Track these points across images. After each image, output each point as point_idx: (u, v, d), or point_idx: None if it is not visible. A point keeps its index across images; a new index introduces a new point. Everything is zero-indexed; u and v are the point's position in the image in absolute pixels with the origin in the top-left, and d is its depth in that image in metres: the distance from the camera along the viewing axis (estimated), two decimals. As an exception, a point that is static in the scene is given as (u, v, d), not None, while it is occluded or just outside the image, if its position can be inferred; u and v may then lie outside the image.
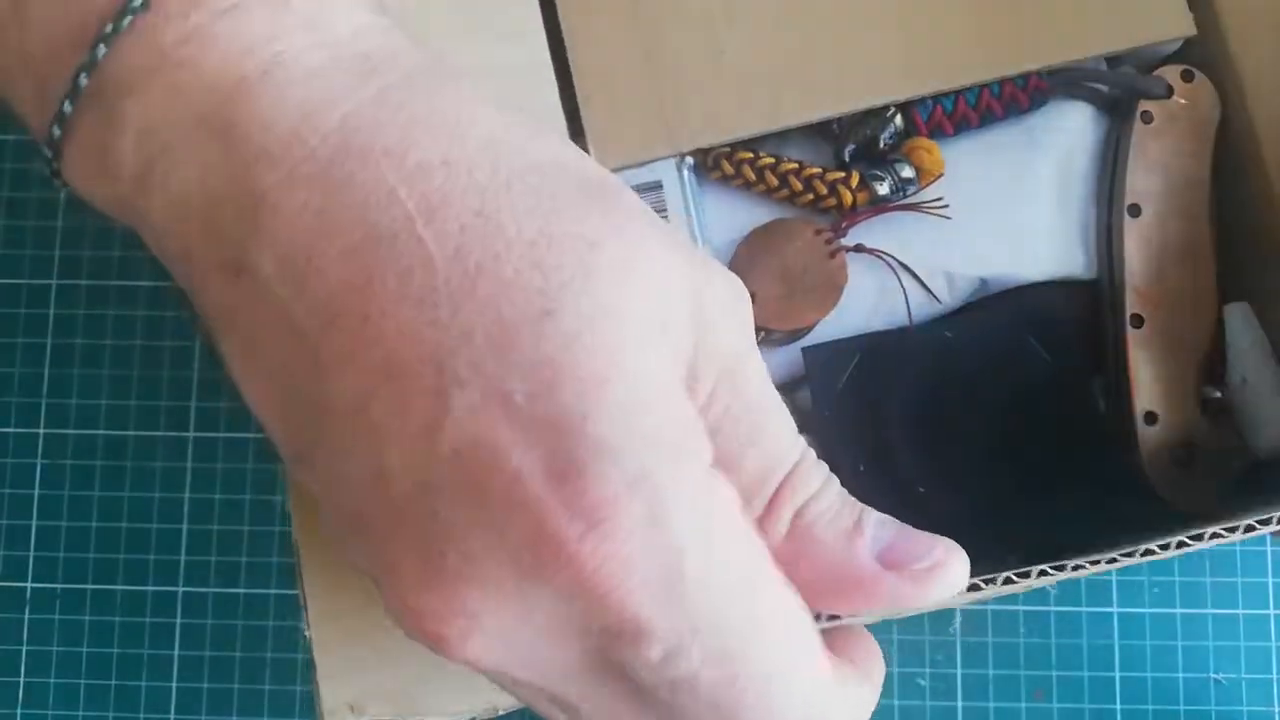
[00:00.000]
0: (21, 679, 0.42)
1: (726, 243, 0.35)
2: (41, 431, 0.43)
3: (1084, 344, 0.36)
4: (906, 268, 0.35)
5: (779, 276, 0.34)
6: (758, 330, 0.34)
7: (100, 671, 0.42)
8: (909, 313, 0.35)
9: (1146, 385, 0.34)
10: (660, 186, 0.34)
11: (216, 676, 0.42)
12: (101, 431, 0.43)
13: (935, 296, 0.35)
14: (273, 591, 0.42)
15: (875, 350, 0.35)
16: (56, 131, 0.22)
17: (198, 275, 0.22)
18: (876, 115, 0.35)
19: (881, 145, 0.35)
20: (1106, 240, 0.35)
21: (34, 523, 0.43)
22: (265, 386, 0.22)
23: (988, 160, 0.35)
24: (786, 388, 0.35)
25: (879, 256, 0.35)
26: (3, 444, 0.43)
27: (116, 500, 0.43)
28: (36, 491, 0.43)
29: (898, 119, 0.35)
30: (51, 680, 0.42)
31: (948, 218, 0.35)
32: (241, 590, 0.42)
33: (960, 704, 0.41)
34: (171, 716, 0.42)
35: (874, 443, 0.34)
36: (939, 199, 0.35)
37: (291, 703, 0.42)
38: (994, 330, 0.35)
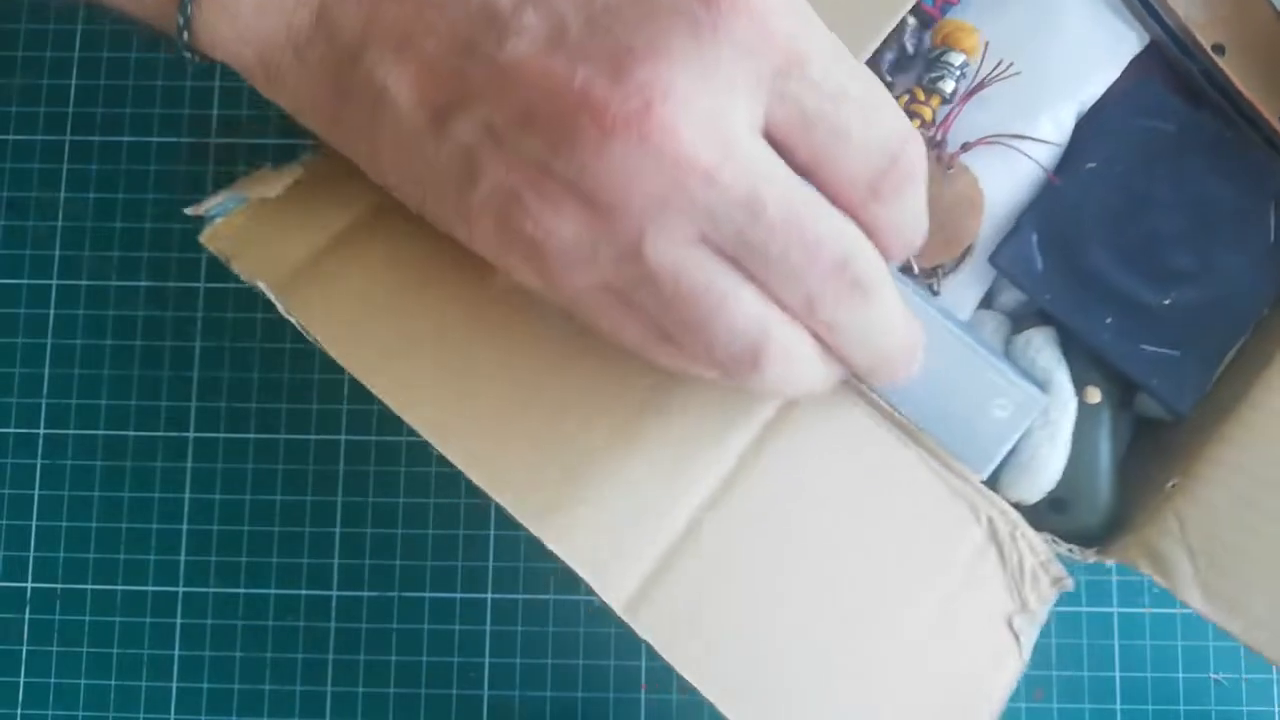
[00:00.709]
0: (21, 679, 0.42)
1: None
2: (41, 432, 0.43)
3: (1191, 101, 0.37)
4: (1018, 136, 0.36)
5: None
6: (933, 272, 0.36)
7: (100, 672, 0.42)
8: (1047, 170, 0.36)
9: (1264, 95, 0.35)
10: None
11: (216, 677, 0.42)
12: (101, 432, 0.43)
13: (1052, 143, 0.36)
14: (273, 591, 0.42)
15: (1044, 218, 0.36)
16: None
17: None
18: (894, 31, 0.36)
19: (911, 51, 0.36)
20: (1145, 6, 0.37)
21: (34, 523, 0.43)
22: None
23: (1003, 6, 0.37)
24: (994, 298, 0.37)
25: (989, 143, 0.36)
26: (3, 444, 0.43)
27: (116, 500, 0.43)
28: (36, 492, 0.43)
29: (910, 19, 0.36)
30: (51, 680, 0.42)
31: (1018, 73, 0.36)
32: (241, 590, 0.42)
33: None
34: (171, 717, 0.42)
35: (1100, 291, 0.35)
36: (999, 63, 0.36)
37: (292, 702, 0.42)
38: (1122, 137, 0.37)
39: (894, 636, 0.31)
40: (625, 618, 0.29)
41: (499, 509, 0.43)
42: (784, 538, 0.31)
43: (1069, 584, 0.32)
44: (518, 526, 0.43)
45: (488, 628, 0.42)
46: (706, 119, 0.23)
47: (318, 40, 0.27)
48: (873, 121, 0.25)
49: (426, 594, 0.42)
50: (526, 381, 0.30)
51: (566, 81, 0.24)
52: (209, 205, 0.31)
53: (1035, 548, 0.32)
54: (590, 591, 0.42)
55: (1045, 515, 0.35)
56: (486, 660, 0.42)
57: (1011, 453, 0.34)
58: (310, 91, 0.28)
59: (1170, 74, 0.38)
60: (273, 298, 0.29)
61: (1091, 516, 0.35)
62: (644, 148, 0.23)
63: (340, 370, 0.43)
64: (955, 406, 0.32)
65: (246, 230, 0.31)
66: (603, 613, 0.42)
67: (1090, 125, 0.37)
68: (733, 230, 0.24)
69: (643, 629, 0.29)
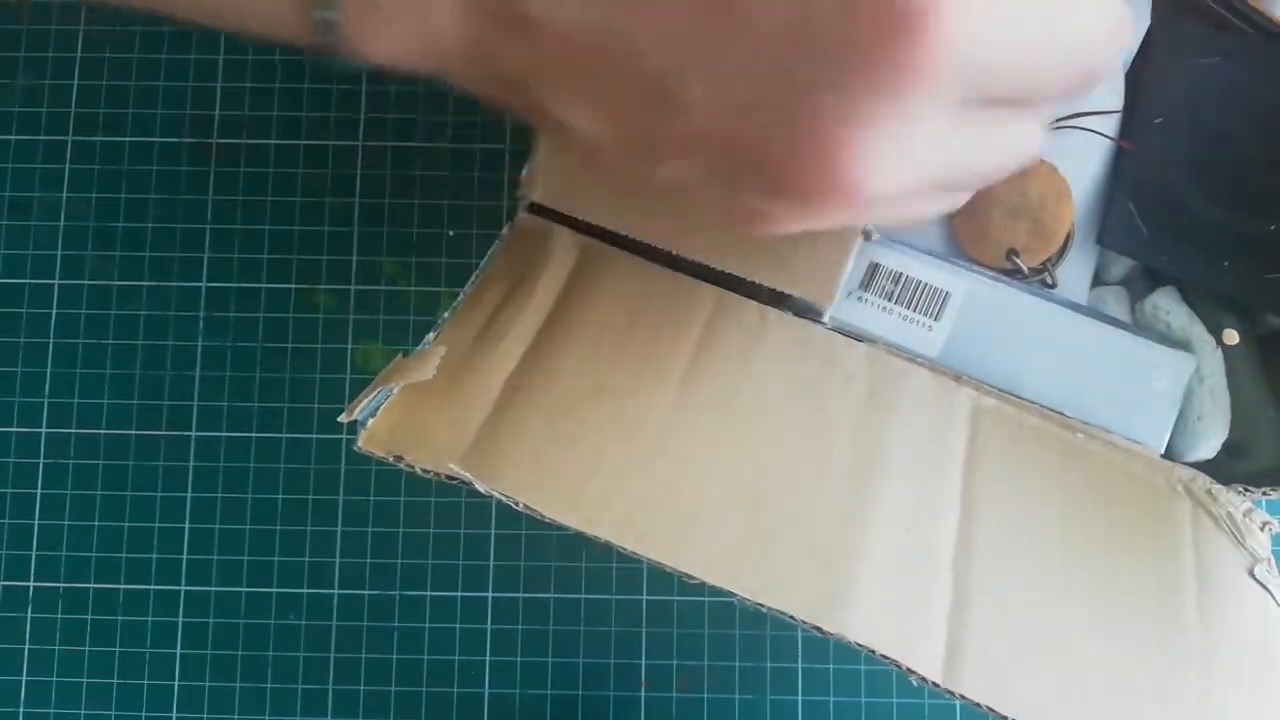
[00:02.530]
0: (24, 677, 0.42)
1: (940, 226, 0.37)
2: (44, 431, 0.44)
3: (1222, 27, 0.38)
4: (1084, 114, 0.37)
5: (1014, 216, 0.36)
6: (1042, 268, 0.36)
7: (103, 670, 0.42)
8: (1121, 141, 0.37)
9: None
10: None
11: (218, 675, 0.42)
12: (104, 431, 0.43)
13: (1115, 110, 0.37)
14: (274, 590, 0.42)
15: (1133, 185, 0.37)
16: None
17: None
18: None
19: None
20: None
21: (36, 522, 0.43)
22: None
23: None
24: (1103, 272, 0.38)
25: (1059, 128, 0.37)
26: (5, 443, 0.44)
27: (119, 499, 0.43)
28: (39, 491, 0.43)
29: None
30: (54, 679, 0.42)
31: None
32: (243, 589, 0.42)
33: (958, 702, 0.41)
34: (174, 715, 0.42)
35: (1209, 237, 0.36)
36: None
37: (294, 700, 0.42)
38: (1176, 84, 0.37)
39: (1171, 630, 0.31)
40: (949, 686, 0.29)
41: (499, 507, 0.43)
42: (1030, 563, 0.31)
43: (1276, 525, 0.33)
44: (518, 525, 0.43)
45: (489, 626, 0.42)
46: (896, 159, 0.23)
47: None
48: (1061, 45, 0.24)
49: (428, 592, 0.42)
50: (741, 485, 0.31)
51: (759, 147, 0.24)
52: (358, 409, 0.30)
53: (1233, 500, 0.33)
54: (590, 590, 0.42)
55: (1226, 465, 0.35)
56: (487, 658, 0.42)
57: (1179, 418, 0.35)
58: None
59: (1188, 11, 0.38)
60: (473, 481, 0.29)
61: (1274, 450, 0.35)
62: (842, 202, 0.24)
63: (341, 370, 0.44)
64: (1114, 392, 0.34)
65: (403, 424, 0.31)
66: (602, 611, 0.42)
67: (1143, 83, 0.37)
68: None
69: (971, 692, 0.29)
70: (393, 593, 0.42)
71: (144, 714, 0.42)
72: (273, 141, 0.45)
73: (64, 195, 0.45)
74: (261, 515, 0.43)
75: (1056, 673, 0.30)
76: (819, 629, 0.28)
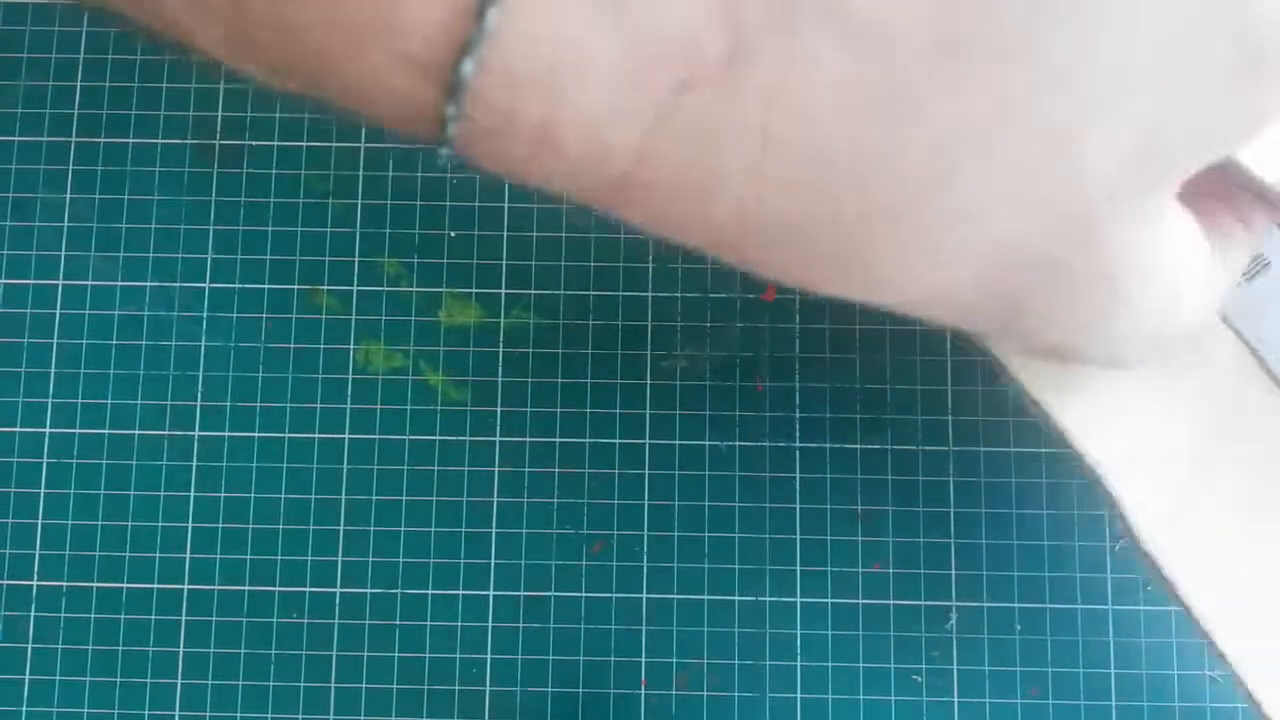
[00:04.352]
0: (27, 676, 0.42)
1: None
2: (47, 431, 0.44)
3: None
4: None
5: None
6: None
7: (105, 669, 0.42)
8: None
9: None
10: None
11: (221, 673, 0.42)
12: (107, 431, 0.44)
13: None
14: (277, 589, 0.43)
15: None
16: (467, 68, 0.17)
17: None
18: None
19: None
20: None
21: (39, 521, 0.43)
22: None
23: None
24: None
25: None
26: (9, 443, 0.44)
27: (122, 498, 0.43)
28: (42, 490, 0.43)
29: None
30: (57, 678, 0.42)
31: None
32: (246, 588, 0.43)
33: (956, 700, 0.42)
34: (177, 714, 0.42)
35: None
36: None
37: (296, 697, 0.42)
38: None
39: None
40: None
41: (500, 506, 0.43)
42: None
43: None
44: (519, 524, 0.43)
45: (490, 624, 0.42)
46: None
47: None
48: None
49: (429, 591, 0.43)
50: None
51: None
52: None
53: None
54: (591, 589, 0.43)
55: None
56: (489, 656, 0.42)
57: None
58: None
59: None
60: None
61: None
62: None
63: (345, 370, 0.44)
64: None
65: None
66: (603, 610, 0.42)
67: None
68: None
69: None
70: (394, 591, 0.43)
71: (147, 712, 0.42)
72: (276, 143, 0.45)
73: (67, 196, 0.45)
74: (264, 514, 0.43)
75: None
76: None
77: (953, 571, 0.42)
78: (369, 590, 0.43)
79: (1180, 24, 0.16)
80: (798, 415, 0.43)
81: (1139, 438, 0.30)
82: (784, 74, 0.16)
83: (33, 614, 0.43)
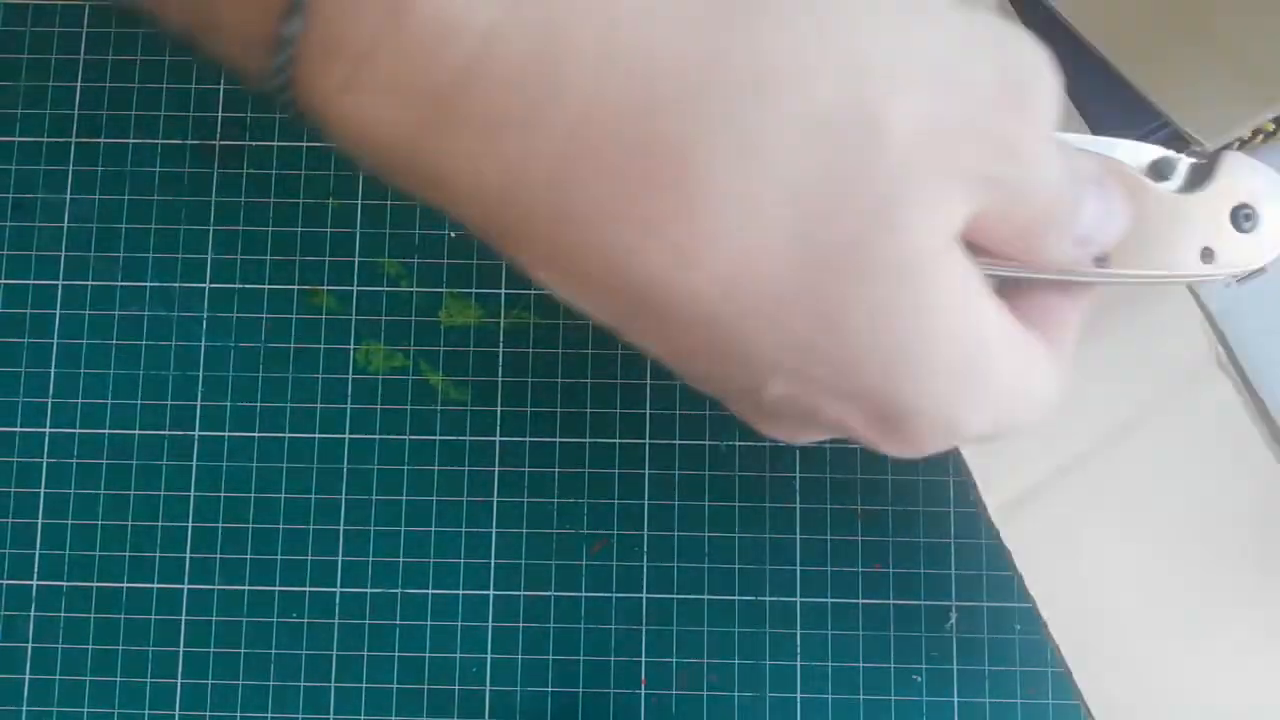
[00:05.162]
0: (27, 676, 0.43)
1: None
2: (48, 431, 0.44)
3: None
4: None
5: None
6: None
7: (105, 668, 0.42)
8: None
9: None
10: None
11: (221, 673, 0.42)
12: (107, 431, 0.44)
13: None
14: (277, 589, 0.43)
15: None
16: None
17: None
18: None
19: None
20: None
21: (40, 521, 0.43)
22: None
23: None
24: None
25: None
26: (9, 443, 0.44)
27: (122, 498, 0.43)
28: (42, 490, 0.43)
29: None
30: (57, 677, 0.42)
31: None
32: (246, 587, 0.43)
33: (956, 700, 0.42)
34: (176, 713, 0.42)
35: None
36: None
37: (296, 697, 0.42)
38: None
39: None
40: None
41: (500, 506, 0.43)
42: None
43: None
44: (519, 524, 0.43)
45: (489, 624, 0.42)
46: None
47: None
48: None
49: (429, 590, 0.43)
50: None
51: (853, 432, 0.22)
52: None
53: None
54: (591, 589, 0.43)
55: None
56: (489, 656, 0.42)
57: None
58: None
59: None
60: None
61: None
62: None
63: (345, 370, 0.44)
64: None
65: None
66: (603, 609, 0.43)
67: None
68: None
69: None
70: (394, 590, 0.43)
71: (147, 712, 0.42)
72: (275, 143, 0.45)
73: (67, 197, 0.45)
74: (264, 514, 0.43)
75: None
76: None
77: (953, 571, 0.42)
78: (369, 590, 0.43)
79: (954, 48, 0.19)
80: (797, 415, 0.43)
81: (1081, 384, 0.31)
82: None
83: (33, 614, 0.43)
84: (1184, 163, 0.26)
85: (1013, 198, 0.21)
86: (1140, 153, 0.26)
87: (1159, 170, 0.26)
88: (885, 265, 0.19)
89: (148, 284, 0.44)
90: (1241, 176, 0.26)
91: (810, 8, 0.18)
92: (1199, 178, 0.26)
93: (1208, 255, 0.26)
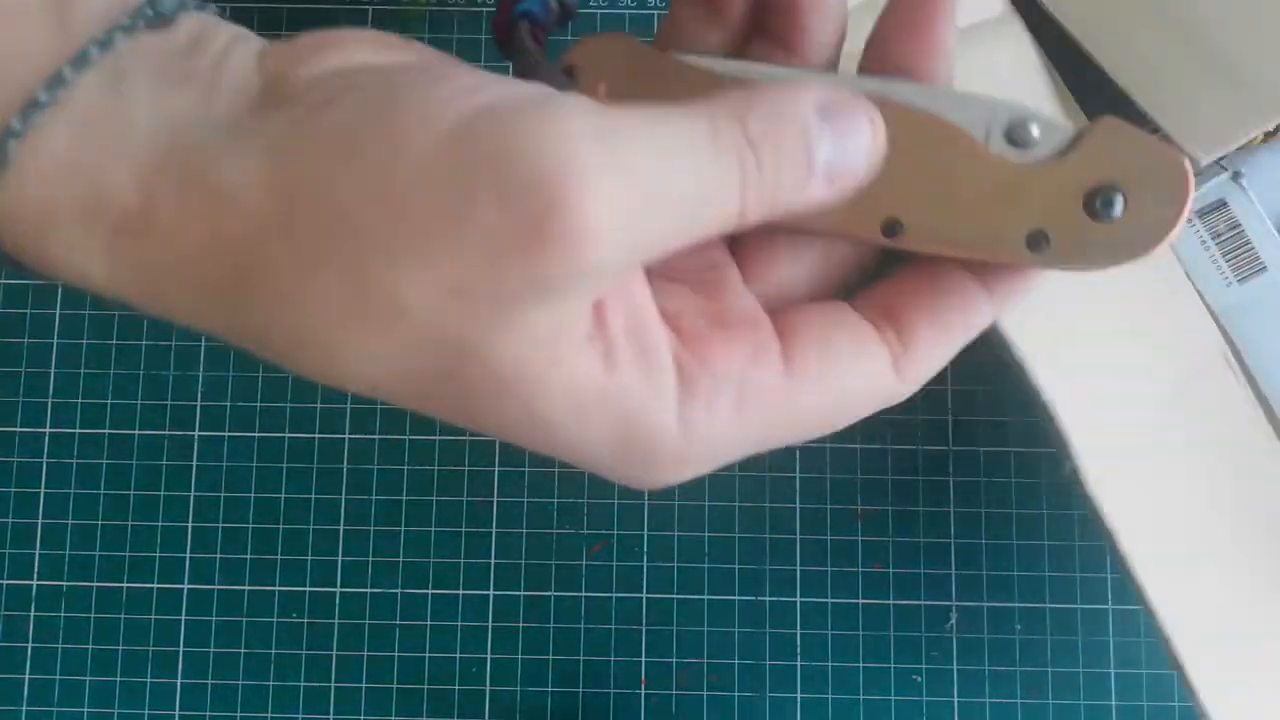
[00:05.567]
0: (27, 675, 0.43)
1: None
2: (48, 431, 0.44)
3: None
4: None
5: None
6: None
7: (105, 668, 0.42)
8: None
9: None
10: None
11: (221, 673, 0.42)
12: (107, 431, 0.44)
13: None
14: (277, 589, 0.43)
15: None
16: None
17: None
18: None
19: None
20: None
21: (40, 521, 0.43)
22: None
23: None
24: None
25: None
26: (9, 443, 0.44)
27: (122, 498, 0.43)
28: (42, 490, 0.43)
29: None
30: (57, 677, 0.42)
31: None
32: (246, 587, 0.43)
33: (956, 700, 0.42)
34: (177, 713, 0.42)
35: None
36: None
37: (296, 697, 0.42)
38: None
39: None
40: None
41: (500, 506, 0.43)
42: None
43: None
44: (519, 524, 0.43)
45: (490, 624, 0.42)
46: None
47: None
48: None
49: (429, 590, 0.43)
50: None
51: None
52: None
53: None
54: (590, 589, 0.43)
55: None
56: (489, 656, 0.42)
57: None
58: None
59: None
60: None
61: None
62: None
63: (344, 370, 0.44)
64: None
65: None
66: (603, 609, 0.43)
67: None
68: None
69: None
70: (394, 590, 0.43)
71: (147, 712, 0.42)
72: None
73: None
74: (264, 514, 0.43)
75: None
76: None
77: (953, 571, 0.42)
78: (369, 590, 0.43)
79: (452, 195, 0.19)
80: (797, 415, 0.43)
81: (1099, 384, 0.31)
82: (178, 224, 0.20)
83: (32, 614, 0.43)
84: (1039, 128, 0.22)
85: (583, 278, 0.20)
86: (997, 113, 0.22)
87: (1015, 136, 0.22)
88: (482, 376, 0.21)
89: (148, 284, 0.44)
90: (1114, 151, 0.21)
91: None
92: (1065, 148, 0.22)
93: (1038, 242, 0.21)
